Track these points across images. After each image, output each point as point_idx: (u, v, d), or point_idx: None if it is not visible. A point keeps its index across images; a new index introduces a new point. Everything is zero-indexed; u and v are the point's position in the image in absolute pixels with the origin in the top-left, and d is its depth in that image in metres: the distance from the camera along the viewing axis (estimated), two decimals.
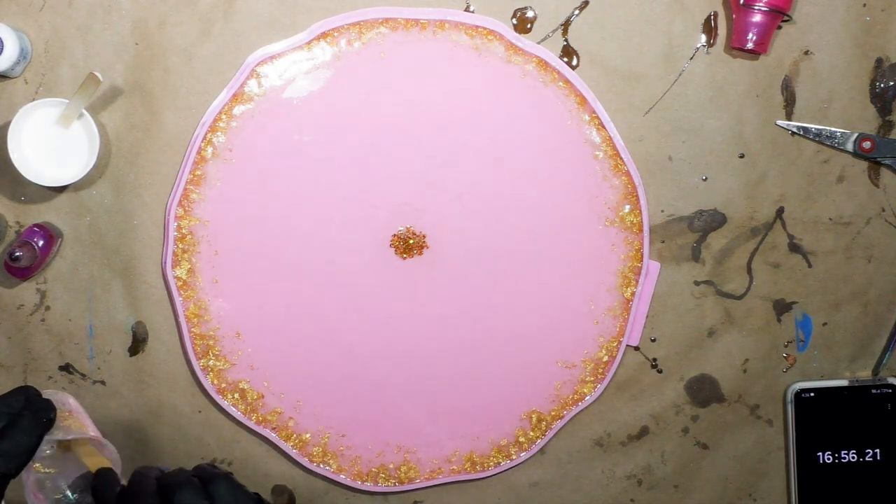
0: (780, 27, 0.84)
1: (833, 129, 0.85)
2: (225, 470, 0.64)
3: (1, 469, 0.60)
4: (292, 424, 0.85)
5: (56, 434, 0.64)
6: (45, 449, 0.64)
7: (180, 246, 0.83)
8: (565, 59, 0.84)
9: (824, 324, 0.88)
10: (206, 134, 0.82)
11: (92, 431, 0.67)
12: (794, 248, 0.87)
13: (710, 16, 0.85)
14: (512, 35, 0.83)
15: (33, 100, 0.82)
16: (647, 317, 0.86)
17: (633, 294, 0.85)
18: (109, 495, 0.61)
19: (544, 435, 0.86)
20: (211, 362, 0.84)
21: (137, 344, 0.85)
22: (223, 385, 0.84)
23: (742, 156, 0.86)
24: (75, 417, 0.67)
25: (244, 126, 0.83)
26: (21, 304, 0.84)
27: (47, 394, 0.66)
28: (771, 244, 0.87)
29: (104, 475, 0.63)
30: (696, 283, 0.87)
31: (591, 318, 0.86)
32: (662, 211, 0.86)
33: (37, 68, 0.83)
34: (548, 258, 0.85)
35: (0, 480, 0.60)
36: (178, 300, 0.83)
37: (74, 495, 0.65)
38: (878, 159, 0.86)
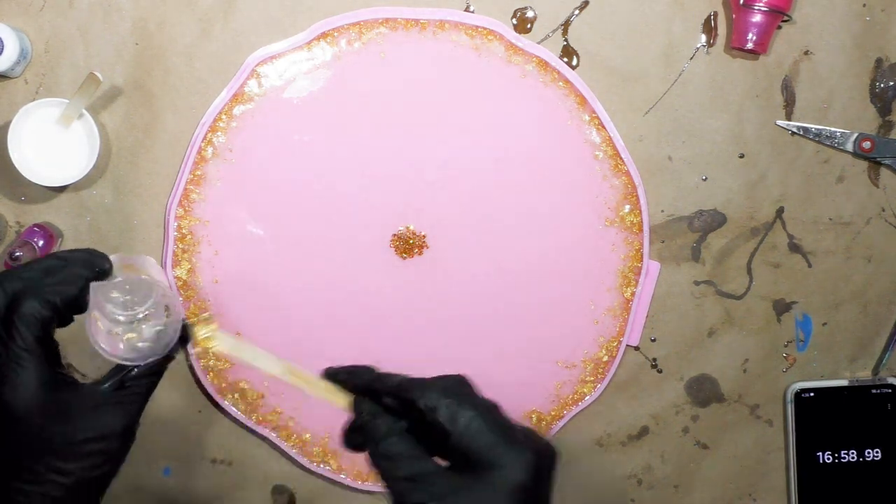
0: (780, 27, 0.84)
1: (833, 129, 0.85)
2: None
3: (42, 308, 0.59)
4: (292, 424, 0.85)
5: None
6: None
7: (180, 246, 0.83)
8: (565, 59, 0.84)
9: (824, 324, 0.88)
10: (206, 134, 0.82)
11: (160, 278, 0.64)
12: (794, 248, 0.87)
13: (710, 16, 0.85)
14: (512, 35, 0.83)
15: (33, 100, 0.81)
16: (647, 317, 0.86)
17: (633, 294, 0.85)
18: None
19: (544, 435, 0.86)
20: (211, 362, 0.84)
21: None
22: (223, 385, 0.84)
23: (742, 156, 0.86)
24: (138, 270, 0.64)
25: (244, 126, 0.83)
26: None
27: (128, 258, 0.65)
28: (771, 244, 0.87)
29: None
30: (696, 283, 0.87)
31: (591, 318, 0.86)
32: (662, 211, 0.86)
33: (37, 68, 0.82)
34: (548, 258, 0.85)
35: (46, 321, 0.59)
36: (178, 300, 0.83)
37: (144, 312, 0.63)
38: (878, 159, 0.86)
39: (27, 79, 0.83)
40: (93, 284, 0.62)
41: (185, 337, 0.63)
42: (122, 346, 0.62)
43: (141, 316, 0.62)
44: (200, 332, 0.63)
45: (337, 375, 0.59)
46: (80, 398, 0.61)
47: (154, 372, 0.64)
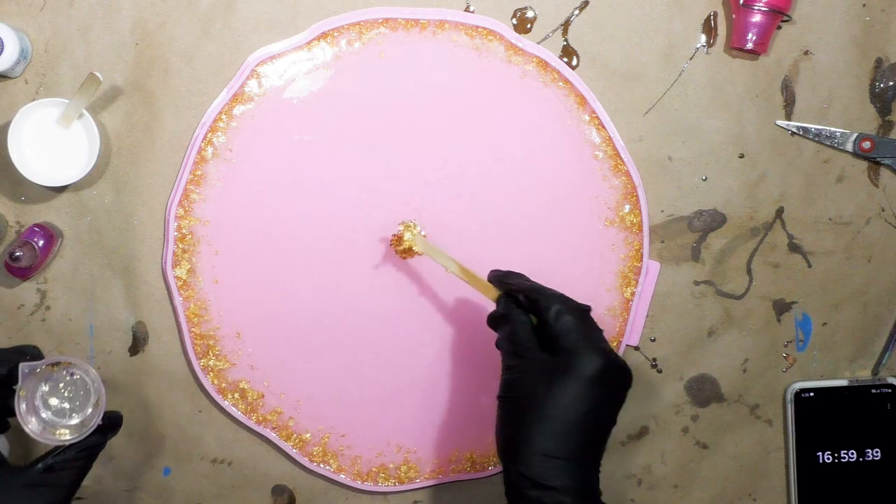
0: (779, 27, 0.84)
1: (833, 129, 0.85)
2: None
3: None
4: (292, 424, 0.85)
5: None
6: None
7: (180, 246, 0.83)
8: (565, 59, 0.84)
9: (824, 324, 0.88)
10: (206, 134, 0.82)
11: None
12: (794, 248, 0.87)
13: (709, 16, 0.85)
14: (512, 35, 0.83)
15: (33, 100, 0.82)
16: (647, 317, 0.86)
17: (633, 294, 0.85)
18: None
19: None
20: (211, 362, 0.84)
21: (137, 344, 0.85)
22: (223, 385, 0.84)
23: (742, 156, 0.86)
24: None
25: (244, 126, 0.83)
26: (21, 304, 0.84)
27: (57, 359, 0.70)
28: (771, 244, 0.87)
29: None
30: (696, 283, 0.87)
31: None
32: (662, 211, 0.86)
33: (37, 68, 0.83)
34: (548, 258, 0.85)
35: None
36: (178, 300, 0.83)
37: (64, 404, 0.68)
38: (878, 159, 0.86)
39: (27, 79, 0.83)
40: (22, 365, 0.66)
41: (109, 426, 0.70)
42: (53, 435, 0.68)
43: (76, 422, 0.66)
44: (407, 236, 0.77)
45: (495, 277, 0.74)
46: (9, 477, 0.63)
47: (84, 457, 0.68)
